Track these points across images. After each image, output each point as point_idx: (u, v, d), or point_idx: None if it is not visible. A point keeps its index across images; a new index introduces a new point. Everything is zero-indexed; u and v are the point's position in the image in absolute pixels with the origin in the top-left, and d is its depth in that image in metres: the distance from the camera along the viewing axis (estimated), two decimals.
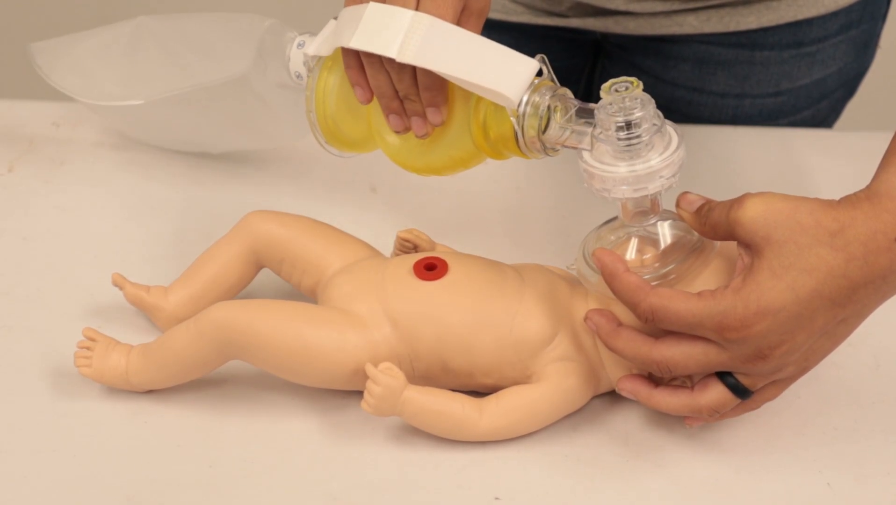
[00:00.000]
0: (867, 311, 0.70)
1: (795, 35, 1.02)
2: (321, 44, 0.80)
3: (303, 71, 0.82)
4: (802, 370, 0.72)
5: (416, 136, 0.76)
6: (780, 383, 0.72)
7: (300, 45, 0.82)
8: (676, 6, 1.00)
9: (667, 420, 0.78)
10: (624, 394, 0.75)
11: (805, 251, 0.67)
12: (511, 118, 0.73)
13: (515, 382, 0.76)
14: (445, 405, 0.75)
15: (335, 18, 0.79)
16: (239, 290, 0.84)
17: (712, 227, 0.71)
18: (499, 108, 0.74)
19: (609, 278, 0.72)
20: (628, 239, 0.75)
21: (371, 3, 0.74)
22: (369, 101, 0.77)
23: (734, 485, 0.75)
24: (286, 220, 0.83)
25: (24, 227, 0.93)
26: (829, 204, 0.68)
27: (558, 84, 0.75)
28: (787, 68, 1.04)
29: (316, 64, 0.81)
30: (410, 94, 0.75)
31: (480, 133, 0.76)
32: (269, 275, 0.85)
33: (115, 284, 0.84)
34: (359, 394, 0.76)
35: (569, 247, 0.79)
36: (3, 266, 0.90)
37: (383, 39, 0.72)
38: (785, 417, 0.78)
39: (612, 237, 0.76)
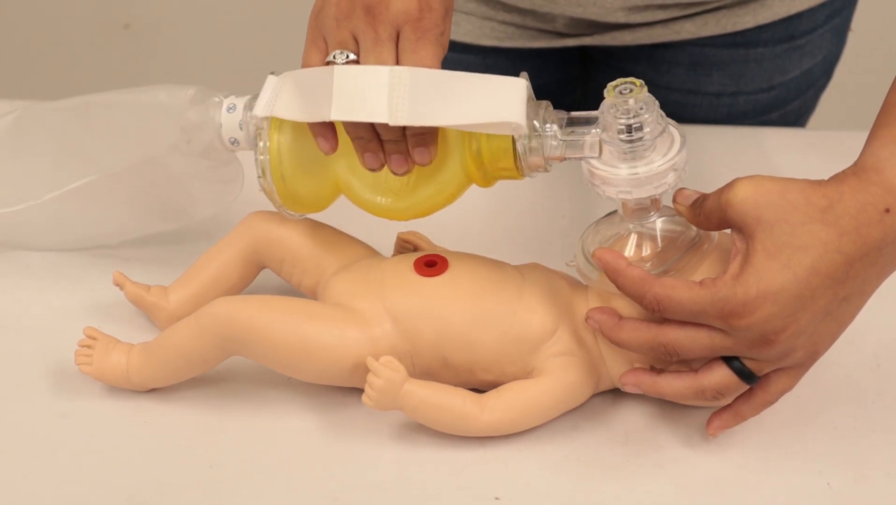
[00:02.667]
0: (868, 287, 0.70)
1: (787, 29, 1.02)
2: (271, 104, 0.75)
3: (239, 136, 0.79)
4: (812, 355, 0.71)
5: (395, 174, 0.74)
6: (791, 371, 0.72)
7: (230, 109, 0.78)
8: (675, 13, 1.00)
9: (667, 420, 0.78)
10: (628, 388, 0.75)
11: (797, 229, 0.67)
12: (518, 142, 0.72)
13: (516, 378, 0.76)
14: (446, 399, 0.75)
15: (273, 74, 0.76)
16: (239, 290, 0.84)
17: (707, 216, 0.72)
18: (492, 135, 0.73)
19: (613, 275, 0.72)
20: (627, 235, 0.75)
21: (338, 67, 0.71)
22: (333, 151, 0.74)
23: (734, 485, 0.75)
24: (287, 220, 0.82)
25: None
26: (818, 182, 0.69)
27: (535, 99, 0.74)
28: (779, 63, 1.05)
29: (261, 126, 0.76)
30: (395, 137, 0.72)
31: (473, 163, 0.75)
32: (269, 275, 0.85)
33: (116, 284, 0.84)
34: (358, 393, 0.76)
35: (569, 247, 0.79)
36: (3, 265, 0.90)
37: (368, 105, 0.70)
38: (785, 417, 0.78)
39: (611, 232, 0.76)
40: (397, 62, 0.71)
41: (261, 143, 0.76)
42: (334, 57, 0.72)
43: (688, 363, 0.73)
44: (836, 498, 0.74)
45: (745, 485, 0.75)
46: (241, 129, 0.79)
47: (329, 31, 0.73)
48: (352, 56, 0.72)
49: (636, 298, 0.71)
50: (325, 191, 0.79)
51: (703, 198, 0.72)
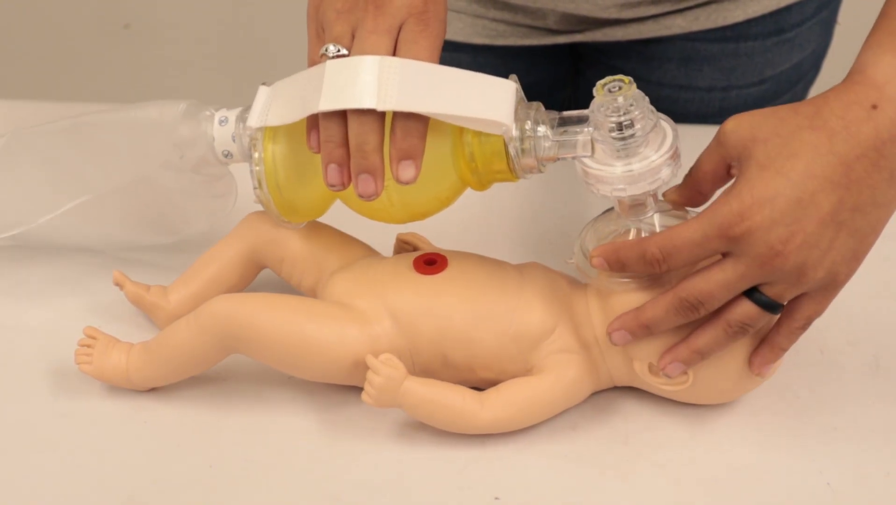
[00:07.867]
0: (881, 196, 0.69)
1: (777, 23, 1.03)
2: (263, 114, 0.75)
3: (232, 148, 0.78)
4: (833, 276, 0.70)
5: (360, 197, 0.70)
6: (814, 295, 0.71)
7: (222, 122, 0.78)
8: (667, 8, 1.00)
9: (667, 419, 0.78)
10: (668, 370, 0.73)
11: (788, 139, 0.68)
12: (508, 145, 0.72)
13: (515, 376, 0.76)
14: (446, 396, 0.75)
15: (265, 84, 0.76)
16: (239, 290, 0.84)
17: (703, 172, 0.72)
18: (484, 139, 0.73)
19: (613, 260, 0.72)
20: (626, 232, 0.75)
21: (329, 61, 0.71)
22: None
23: (734, 485, 0.75)
24: None
25: None
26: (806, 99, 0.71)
27: (527, 100, 0.74)
28: (769, 56, 1.05)
29: (256, 136, 0.75)
30: (365, 145, 0.69)
31: (467, 167, 0.74)
32: (269, 275, 0.85)
33: (116, 283, 0.84)
34: (358, 392, 0.76)
35: (568, 246, 0.79)
36: (3, 266, 0.90)
37: (357, 91, 0.69)
38: (785, 417, 0.78)
39: (608, 230, 0.76)
40: (394, 53, 0.71)
41: (255, 154, 0.76)
42: (326, 50, 0.72)
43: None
44: (836, 498, 0.74)
45: (745, 485, 0.75)
46: (234, 141, 0.78)
47: (328, 24, 0.73)
48: (343, 50, 0.71)
49: (640, 262, 0.71)
50: (321, 197, 0.79)
51: (693, 166, 0.73)
